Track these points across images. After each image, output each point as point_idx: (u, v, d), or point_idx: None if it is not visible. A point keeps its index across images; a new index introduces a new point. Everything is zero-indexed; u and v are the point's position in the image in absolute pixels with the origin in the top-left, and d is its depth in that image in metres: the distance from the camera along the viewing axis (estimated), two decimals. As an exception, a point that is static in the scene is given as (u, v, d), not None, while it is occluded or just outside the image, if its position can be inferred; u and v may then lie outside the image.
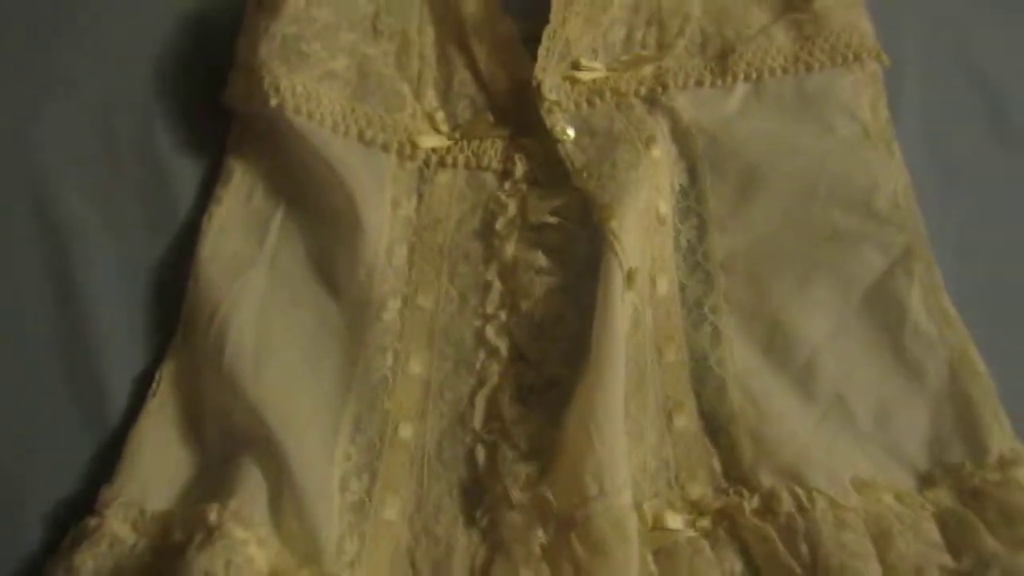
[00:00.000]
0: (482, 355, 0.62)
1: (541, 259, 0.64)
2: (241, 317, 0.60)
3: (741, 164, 0.67)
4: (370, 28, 0.70)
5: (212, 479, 0.57)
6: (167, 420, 0.59)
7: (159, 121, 0.70)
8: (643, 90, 0.69)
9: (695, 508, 0.57)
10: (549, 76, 0.67)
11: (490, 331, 0.62)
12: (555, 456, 0.56)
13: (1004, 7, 0.77)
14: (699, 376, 0.61)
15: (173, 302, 0.63)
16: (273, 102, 0.64)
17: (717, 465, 0.58)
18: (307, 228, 0.65)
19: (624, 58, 0.70)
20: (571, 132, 0.66)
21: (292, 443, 0.56)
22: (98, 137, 0.69)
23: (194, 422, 0.60)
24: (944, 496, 0.57)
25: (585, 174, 0.64)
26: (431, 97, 0.70)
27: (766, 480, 0.57)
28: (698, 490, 0.58)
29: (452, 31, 0.71)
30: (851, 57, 0.70)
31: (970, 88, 0.73)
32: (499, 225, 0.65)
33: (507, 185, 0.67)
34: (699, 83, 0.70)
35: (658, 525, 0.56)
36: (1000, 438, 0.58)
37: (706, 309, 0.63)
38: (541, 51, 0.67)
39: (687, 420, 0.60)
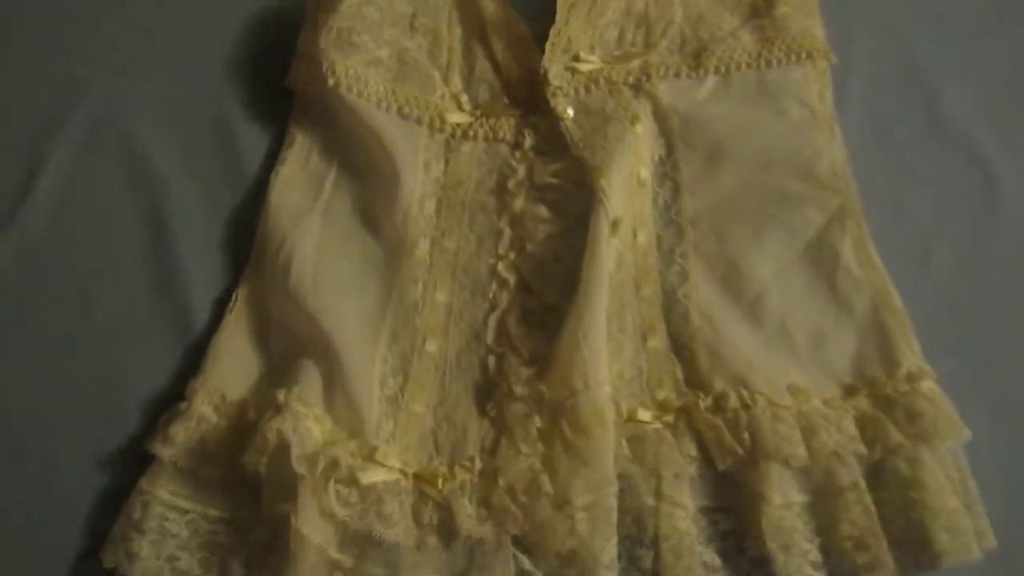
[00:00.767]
0: (494, 286, 0.75)
1: (544, 212, 0.77)
2: (302, 250, 0.74)
3: (709, 139, 0.79)
4: (408, 26, 0.84)
5: (277, 374, 0.71)
6: (242, 330, 0.74)
7: (235, 100, 0.85)
8: (631, 79, 0.82)
9: (661, 407, 0.70)
10: (554, 66, 0.81)
11: (501, 267, 0.76)
12: (550, 362, 0.70)
13: (941, 17, 0.89)
14: (668, 306, 0.74)
15: (245, 241, 0.77)
16: (330, 82, 0.78)
17: (680, 374, 0.72)
18: (354, 183, 0.79)
19: (616, 53, 0.83)
20: (571, 112, 0.79)
21: (342, 346, 0.70)
22: (185, 113, 0.84)
23: (263, 332, 0.74)
24: (862, 402, 0.70)
25: (581, 145, 0.77)
26: (457, 82, 0.83)
27: (718, 385, 0.70)
28: (664, 393, 0.71)
29: (475, 29, 0.84)
30: (804, 55, 0.82)
31: (908, 84, 0.86)
32: (510, 184, 0.79)
33: (518, 154, 0.80)
34: (677, 74, 0.82)
35: (631, 418, 0.69)
36: (910, 358, 0.71)
37: (676, 255, 0.77)
38: (548, 46, 0.80)
39: (658, 340, 0.73)
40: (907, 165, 0.82)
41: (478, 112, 0.82)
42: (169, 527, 0.66)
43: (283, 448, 0.64)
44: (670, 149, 0.80)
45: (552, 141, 0.80)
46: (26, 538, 0.68)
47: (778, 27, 0.83)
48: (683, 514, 0.67)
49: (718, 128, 0.80)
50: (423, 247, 0.76)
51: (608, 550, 0.64)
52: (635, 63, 0.83)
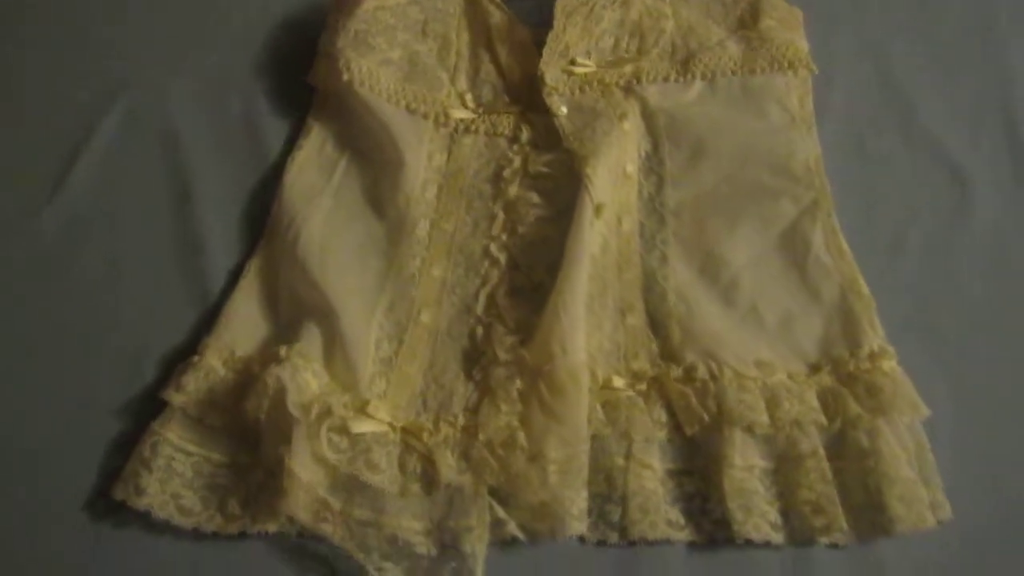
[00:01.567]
0: (486, 264, 0.81)
1: (535, 198, 0.83)
2: (311, 226, 0.81)
3: (692, 137, 0.85)
4: (420, 31, 0.91)
5: (283, 336, 0.77)
6: (253, 296, 0.80)
7: (260, 94, 0.92)
8: (622, 82, 0.88)
9: (635, 376, 0.75)
10: (551, 69, 0.87)
11: (494, 247, 0.81)
12: (533, 332, 0.75)
13: (917, 33, 0.95)
14: (648, 287, 0.80)
15: (261, 218, 0.84)
16: (345, 77, 0.85)
17: (655, 348, 0.77)
18: (363, 170, 0.86)
19: (610, 59, 0.90)
20: (565, 109, 0.85)
21: (343, 310, 0.76)
22: (215, 107, 0.92)
23: (272, 299, 0.80)
24: (825, 378, 0.74)
25: (572, 138, 0.83)
26: (462, 82, 0.90)
27: (689, 357, 0.75)
28: (638, 364, 0.76)
29: (482, 36, 0.91)
30: (787, 65, 0.88)
31: (886, 95, 0.91)
32: (506, 173, 0.85)
33: (515, 147, 0.86)
34: (666, 79, 0.88)
35: (606, 385, 0.74)
36: (873, 339, 0.75)
37: (658, 241, 0.82)
38: (545, 50, 0.87)
39: (636, 318, 0.79)
40: (881, 166, 0.88)
41: (480, 110, 0.89)
42: (176, 467, 0.72)
43: (281, 394, 0.70)
44: (656, 145, 0.86)
45: (547, 136, 0.86)
46: (49, 476, 0.74)
47: (763, 39, 0.89)
48: (651, 475, 0.72)
49: (701, 127, 0.86)
50: (423, 227, 0.83)
51: (578, 502, 0.69)
52: (628, 68, 0.89)
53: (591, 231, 0.78)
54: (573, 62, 0.89)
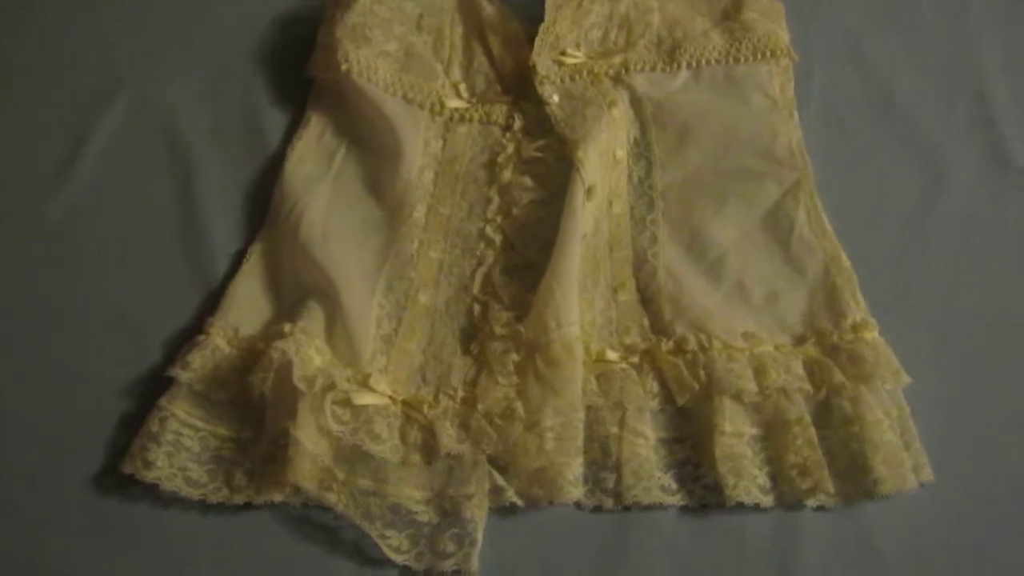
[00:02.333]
0: (482, 245, 0.84)
1: (528, 181, 0.86)
2: (312, 210, 0.84)
3: (679, 123, 0.88)
4: (415, 24, 0.94)
5: (286, 316, 0.79)
6: (256, 278, 0.82)
7: (260, 85, 0.95)
8: (611, 72, 0.91)
9: (628, 349, 0.78)
10: (542, 59, 0.90)
11: (489, 229, 0.84)
12: (528, 308, 0.78)
13: (892, 21, 0.99)
14: (638, 265, 0.83)
15: (263, 204, 0.87)
16: (343, 68, 0.88)
17: (646, 323, 0.80)
18: (362, 157, 0.88)
19: (599, 49, 0.93)
20: (556, 97, 0.89)
21: (344, 290, 0.78)
22: (217, 97, 0.94)
23: (274, 281, 0.82)
24: (810, 349, 0.78)
25: (563, 124, 0.86)
26: (457, 73, 0.93)
27: (679, 330, 0.78)
28: (630, 338, 0.79)
29: (475, 28, 0.94)
30: (769, 54, 0.91)
31: (862, 80, 0.95)
32: (500, 159, 0.88)
33: (508, 135, 0.89)
34: (653, 69, 0.91)
35: (600, 358, 0.77)
36: (855, 311, 0.78)
37: (648, 222, 0.85)
38: (536, 41, 0.90)
39: (627, 295, 0.81)
40: (860, 147, 0.91)
41: (474, 99, 0.92)
42: (183, 441, 0.74)
43: (286, 367, 0.72)
44: (644, 131, 0.89)
45: (539, 123, 0.89)
46: (58, 452, 0.76)
47: (746, 29, 0.93)
48: (644, 443, 0.74)
49: (687, 113, 0.89)
50: (420, 211, 0.85)
51: (573, 468, 0.71)
52: (616, 59, 0.92)
53: (583, 212, 0.81)
54: (563, 53, 0.92)
